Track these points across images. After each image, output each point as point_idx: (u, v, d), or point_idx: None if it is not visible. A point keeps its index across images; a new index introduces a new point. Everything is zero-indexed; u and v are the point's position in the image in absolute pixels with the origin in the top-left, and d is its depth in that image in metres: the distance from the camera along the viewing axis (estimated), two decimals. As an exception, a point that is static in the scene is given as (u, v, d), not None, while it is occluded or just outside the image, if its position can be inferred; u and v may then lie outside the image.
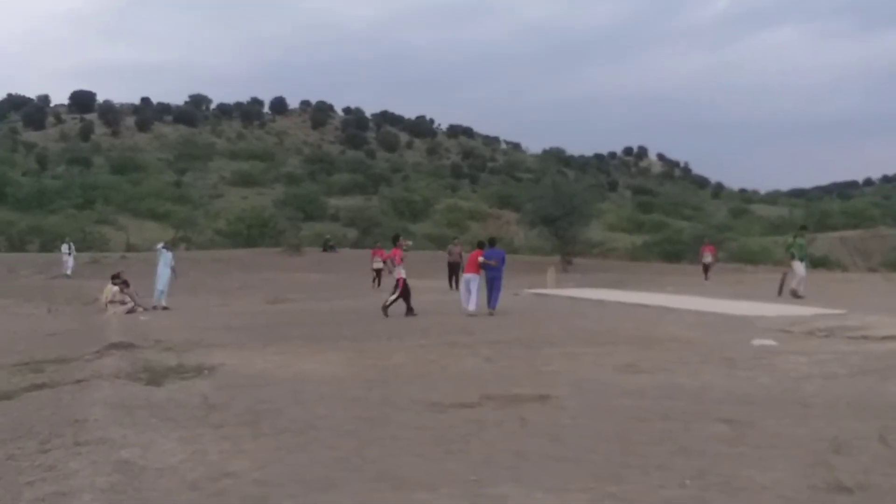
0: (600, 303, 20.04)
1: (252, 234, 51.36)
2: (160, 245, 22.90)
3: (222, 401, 7.86)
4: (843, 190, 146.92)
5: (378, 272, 28.40)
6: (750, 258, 48.82)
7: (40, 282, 30.48)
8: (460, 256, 26.63)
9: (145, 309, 20.30)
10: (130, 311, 19.68)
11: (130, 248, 46.38)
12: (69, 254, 33.19)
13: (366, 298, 23.75)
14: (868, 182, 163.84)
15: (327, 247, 45.59)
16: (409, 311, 18.03)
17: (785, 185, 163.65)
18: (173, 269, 21.75)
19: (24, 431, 6.66)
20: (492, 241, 19.72)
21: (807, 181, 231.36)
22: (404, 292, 18.29)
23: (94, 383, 8.85)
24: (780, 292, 20.85)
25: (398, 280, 18.48)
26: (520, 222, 52.10)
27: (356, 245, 54.19)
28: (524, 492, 4.87)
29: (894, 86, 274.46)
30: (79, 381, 9.04)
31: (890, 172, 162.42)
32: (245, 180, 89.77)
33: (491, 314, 17.40)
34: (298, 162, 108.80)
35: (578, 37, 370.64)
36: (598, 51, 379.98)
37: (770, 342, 11.92)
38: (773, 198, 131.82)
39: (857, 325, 13.68)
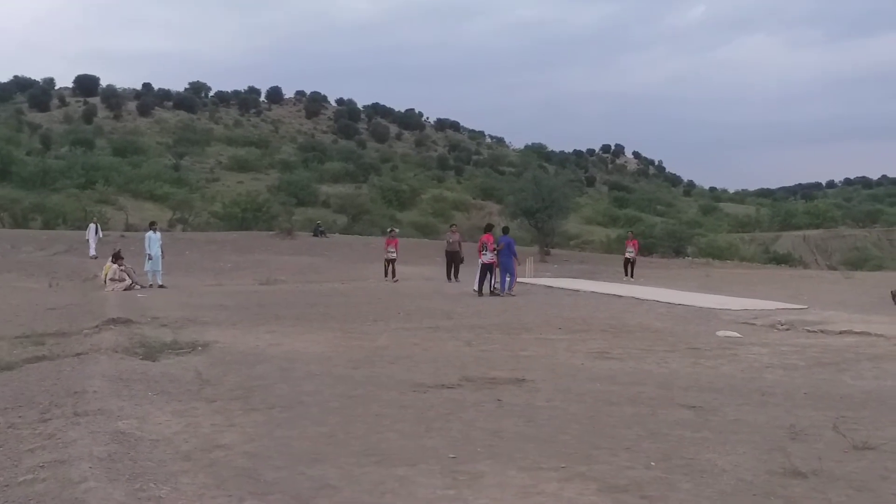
0: (575, 292, 20.12)
1: (246, 217, 51.05)
2: (150, 232, 22.02)
3: (215, 376, 7.86)
4: (807, 191, 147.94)
5: (391, 262, 24.74)
6: (717, 254, 49.05)
7: (42, 258, 30.23)
8: (459, 245, 24.23)
9: (143, 287, 20.19)
10: (128, 289, 19.58)
11: (129, 227, 45.99)
12: (97, 234, 31.15)
13: (354, 283, 23.72)
14: (831, 184, 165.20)
15: (318, 232, 45.43)
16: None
17: (752, 185, 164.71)
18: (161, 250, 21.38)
19: (25, 401, 6.64)
20: (505, 230, 21.09)
21: (773, 182, 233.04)
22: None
23: (93, 357, 8.82)
24: None
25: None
26: (502, 213, 52.09)
27: (346, 231, 54.05)
28: (499, 469, 4.90)
29: (859, 93, 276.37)
30: (78, 355, 9.01)
31: (852, 175, 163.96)
32: (241, 166, 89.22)
33: (506, 295, 18.70)
34: (292, 149, 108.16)
35: (563, 39, 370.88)
36: (581, 53, 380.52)
37: (734, 334, 12.03)
38: (741, 197, 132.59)
39: (817, 320, 13.84)
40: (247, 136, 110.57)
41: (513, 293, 19.15)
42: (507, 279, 19.62)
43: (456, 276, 23.60)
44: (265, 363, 8.76)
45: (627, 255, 28.13)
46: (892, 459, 5.15)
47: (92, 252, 30.16)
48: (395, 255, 24.92)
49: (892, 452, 5.30)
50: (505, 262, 19.66)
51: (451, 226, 27.60)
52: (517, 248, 20.71)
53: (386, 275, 24.77)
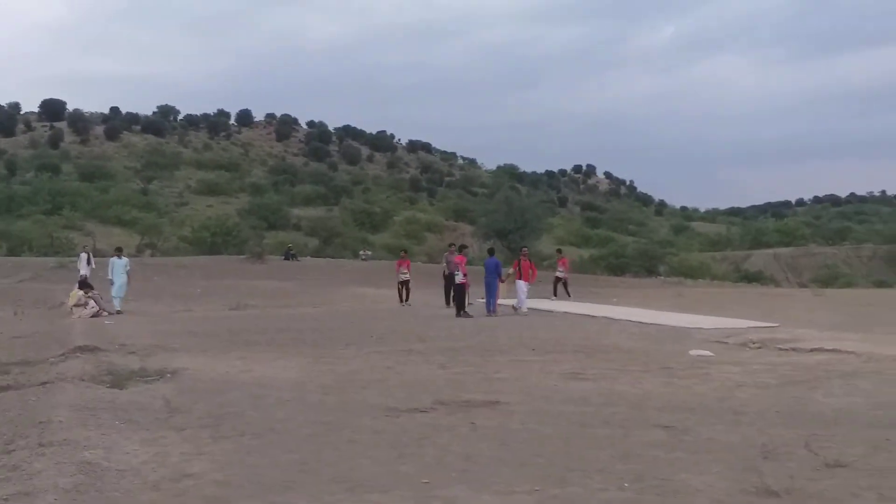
0: (549, 313, 20.18)
1: (216, 241, 50.77)
2: (115, 258, 21.80)
3: (184, 404, 7.77)
4: (778, 210, 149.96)
5: (405, 284, 24.06)
6: (689, 273, 49.52)
7: (7, 285, 29.76)
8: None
9: (110, 313, 19.95)
10: (95, 315, 19.33)
11: (97, 253, 45.54)
12: (89, 264, 29.00)
13: (326, 306, 23.61)
14: (800, 203, 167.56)
15: (289, 255, 45.25)
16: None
17: (723, 204, 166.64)
18: (128, 275, 21.24)
19: (-12, 432, 6.52)
20: (490, 251, 21.84)
21: (744, 201, 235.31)
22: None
23: (59, 386, 8.69)
24: None
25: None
26: (474, 235, 52.28)
27: (317, 254, 53.86)
28: (473, 494, 4.90)
29: (827, 113, 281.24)
30: (44, 384, 8.87)
31: (821, 194, 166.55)
32: (210, 189, 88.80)
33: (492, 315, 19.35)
34: (263, 173, 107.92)
35: (534, 60, 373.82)
36: (552, 74, 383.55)
37: (706, 353, 12.13)
38: (712, 216, 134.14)
39: (788, 338, 13.95)
40: (216, 159, 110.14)
41: (496, 314, 19.54)
42: (491, 300, 19.96)
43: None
44: (235, 390, 8.68)
45: (558, 274, 27.76)
46: (864, 476, 5.21)
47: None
48: (408, 276, 24.33)
49: (864, 470, 5.36)
50: (489, 283, 20.05)
51: (449, 246, 25.40)
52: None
53: (401, 299, 23.93)
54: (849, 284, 48.99)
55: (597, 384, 9.32)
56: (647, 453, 5.88)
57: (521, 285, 20.54)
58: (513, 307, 20.29)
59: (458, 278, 19.73)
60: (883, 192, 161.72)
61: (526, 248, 24.23)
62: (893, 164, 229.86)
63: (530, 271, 21.23)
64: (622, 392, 8.77)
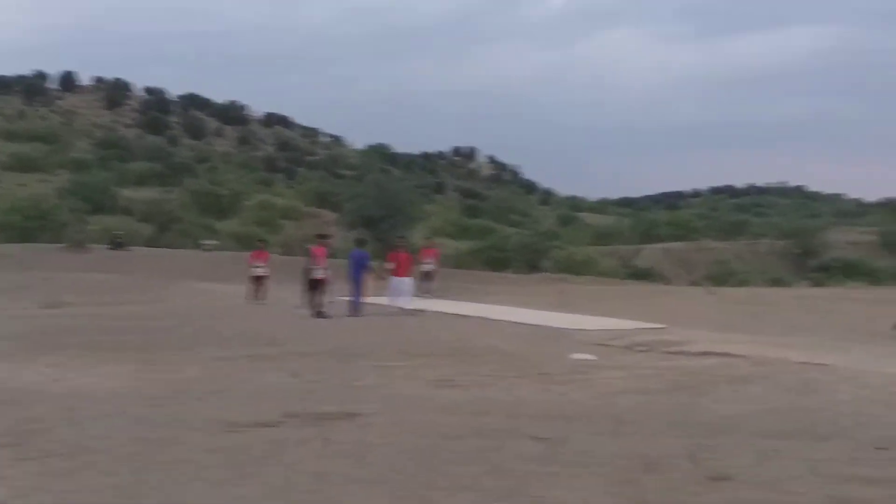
0: (419, 312, 20.30)
1: (30, 226, 48.59)
2: None
3: (-21, 420, 7.37)
4: (672, 200, 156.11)
5: (259, 279, 23.69)
6: (575, 268, 50.90)
7: None
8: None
9: None
10: None
11: None
12: None
13: (159, 304, 22.95)
14: (697, 193, 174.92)
15: (116, 244, 43.78)
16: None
17: (614, 194, 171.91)
18: None
19: None
20: (359, 242, 21.78)
21: (636, 190, 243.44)
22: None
23: None
24: None
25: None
26: (339, 223, 52.01)
27: (151, 243, 52.30)
28: (322, 518, 4.85)
29: (729, 95, 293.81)
30: None
31: (719, 183, 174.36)
32: (24, 165, 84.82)
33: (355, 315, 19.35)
34: (88, 146, 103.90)
35: (410, 28, 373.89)
36: (430, 44, 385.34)
37: (588, 356, 12.48)
38: (602, 206, 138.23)
39: (676, 340, 14.56)
40: (32, 129, 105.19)
41: (361, 314, 19.54)
42: (355, 298, 19.95)
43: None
44: (44, 403, 8.30)
45: (425, 267, 25.65)
46: (747, 489, 5.48)
47: None
48: (263, 270, 24.03)
49: (749, 482, 5.63)
50: (354, 278, 20.10)
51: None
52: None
53: (253, 296, 23.50)
54: (744, 282, 51.56)
55: (468, 391, 9.45)
56: (519, 467, 5.99)
57: (402, 282, 20.57)
58: (400, 307, 20.29)
59: (318, 273, 19.56)
60: (782, 182, 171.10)
61: (403, 237, 24.26)
62: (794, 153, 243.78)
63: (410, 264, 21.37)
64: (496, 400, 8.92)
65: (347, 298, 20.20)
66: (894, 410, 8.44)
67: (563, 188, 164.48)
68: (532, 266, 50.91)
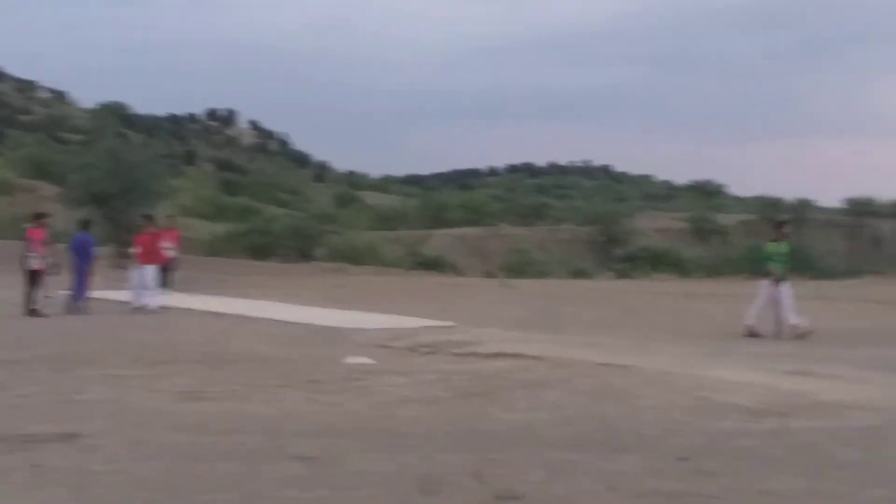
0: (163, 309, 19.82)
1: None
2: None
3: None
4: (465, 179, 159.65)
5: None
6: (354, 257, 51.11)
7: None
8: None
9: None
10: None
11: None
12: None
13: None
14: (493, 171, 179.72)
15: None
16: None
17: (400, 171, 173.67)
18: None
19: None
20: (84, 224, 21.13)
21: (424, 167, 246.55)
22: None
23: None
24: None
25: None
26: (62, 199, 49.72)
27: None
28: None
29: (529, 63, 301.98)
30: None
31: (517, 161, 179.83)
32: None
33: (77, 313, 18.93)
34: None
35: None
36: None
37: (366, 360, 12.60)
38: (386, 184, 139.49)
39: (466, 340, 14.94)
40: None
41: (87, 312, 19.14)
42: (79, 292, 19.32)
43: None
44: None
45: (167, 253, 23.51)
46: (537, 509, 5.70)
47: None
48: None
49: (539, 499, 5.85)
50: (78, 268, 19.65)
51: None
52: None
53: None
54: (543, 273, 53.54)
55: (220, 405, 9.30)
56: (279, 493, 5.95)
57: (144, 272, 19.98)
58: (143, 303, 19.80)
59: (33, 262, 18.65)
60: (586, 161, 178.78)
61: (150, 216, 23.43)
62: (599, 130, 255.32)
63: (158, 249, 20.84)
64: (254, 414, 8.83)
65: (68, 292, 19.46)
66: (699, 417, 9.00)
67: (341, 162, 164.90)
68: (303, 254, 50.66)
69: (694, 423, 8.67)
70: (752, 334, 16.85)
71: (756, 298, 17.49)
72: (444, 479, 6.32)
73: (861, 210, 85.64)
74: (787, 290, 17.14)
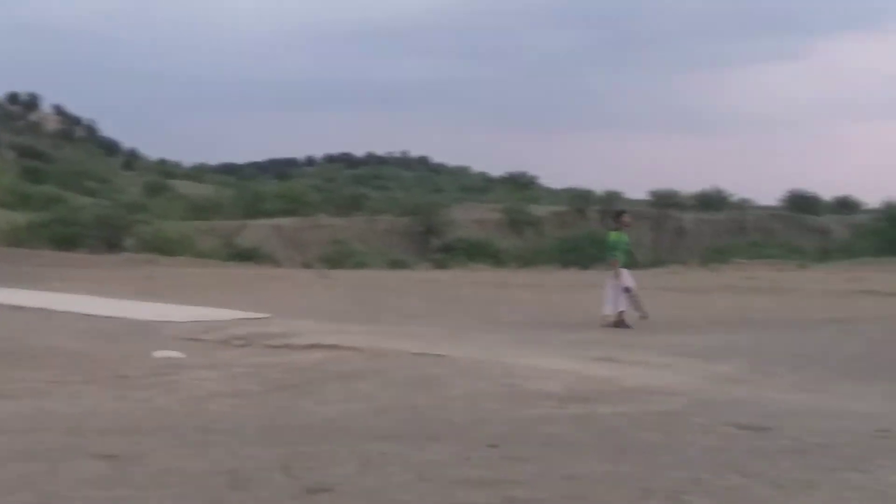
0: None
1: None
2: None
3: None
4: (282, 169, 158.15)
5: None
6: (166, 248, 50.03)
7: None
8: None
9: None
10: None
11: None
12: None
13: None
14: (311, 161, 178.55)
15: None
16: None
17: (215, 159, 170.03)
18: None
19: None
20: None
21: (240, 155, 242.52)
22: None
23: None
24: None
25: None
26: None
27: None
28: None
29: (347, 50, 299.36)
30: None
31: (334, 151, 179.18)
32: None
33: None
34: None
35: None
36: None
37: (176, 354, 12.40)
38: (200, 173, 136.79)
39: (281, 332, 14.88)
40: None
41: None
42: None
43: None
44: None
45: None
46: (349, 500, 5.70)
47: None
48: None
49: (350, 492, 5.86)
50: None
51: None
52: None
53: None
54: (362, 265, 53.65)
55: (19, 403, 9.00)
56: (77, 494, 5.76)
57: None
58: None
59: None
60: (404, 152, 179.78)
61: None
62: (416, 121, 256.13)
63: None
64: (55, 412, 8.55)
65: None
66: (509, 404, 9.21)
67: (152, 150, 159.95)
68: (112, 245, 49.27)
69: (504, 411, 8.87)
70: (618, 325, 17.05)
71: (606, 290, 17.50)
72: (254, 475, 6.26)
73: (665, 202, 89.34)
74: (624, 278, 17.32)
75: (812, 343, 14.96)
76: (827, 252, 67.80)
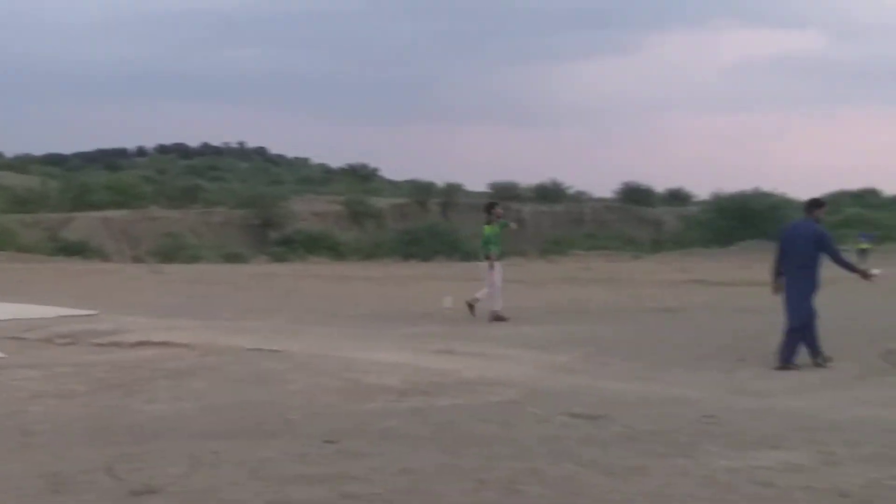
0: None
1: None
2: None
3: None
4: (112, 159, 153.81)
5: None
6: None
7: None
8: None
9: None
10: None
11: None
12: None
13: None
14: (142, 152, 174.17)
15: None
16: None
17: (39, 149, 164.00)
18: None
19: None
20: None
21: (67, 145, 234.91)
22: None
23: None
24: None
25: None
26: None
27: None
28: None
29: (179, 41, 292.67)
30: None
31: (167, 141, 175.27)
32: None
33: None
34: None
35: None
36: None
37: (-4, 353, 11.93)
38: (24, 164, 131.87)
39: (109, 329, 14.51)
40: None
41: None
42: None
43: None
44: None
45: None
46: (176, 502, 5.58)
47: None
48: None
49: (178, 493, 5.74)
50: None
51: None
52: None
53: None
54: (195, 258, 52.76)
55: None
56: None
57: None
58: None
59: None
60: (241, 143, 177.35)
61: None
62: (253, 111, 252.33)
63: None
64: None
65: None
66: (348, 399, 9.17)
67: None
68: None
69: (342, 406, 8.83)
70: (498, 318, 16.99)
71: (486, 283, 17.41)
72: (77, 477, 6.08)
73: (504, 194, 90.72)
74: (496, 272, 17.31)
75: (645, 332, 15.39)
76: (659, 243, 70.22)
